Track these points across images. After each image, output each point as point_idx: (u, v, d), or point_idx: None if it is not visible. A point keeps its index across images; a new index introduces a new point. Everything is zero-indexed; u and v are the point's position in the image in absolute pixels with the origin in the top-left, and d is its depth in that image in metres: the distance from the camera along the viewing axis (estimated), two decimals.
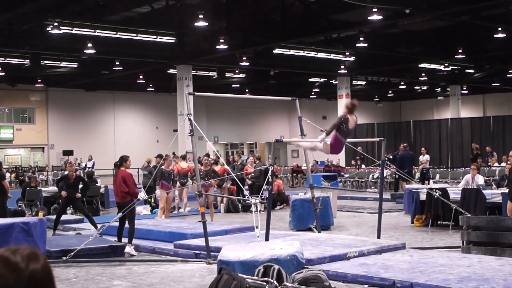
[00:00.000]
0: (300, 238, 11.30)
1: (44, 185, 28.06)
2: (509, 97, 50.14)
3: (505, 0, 22.46)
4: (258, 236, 9.98)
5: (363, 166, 31.48)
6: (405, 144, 25.27)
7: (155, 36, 26.11)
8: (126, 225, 12.19)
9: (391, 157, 23.84)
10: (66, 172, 17.20)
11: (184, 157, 18.85)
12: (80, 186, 15.35)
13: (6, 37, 25.66)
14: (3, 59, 30.89)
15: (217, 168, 18.50)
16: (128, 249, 11.71)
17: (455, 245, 11.58)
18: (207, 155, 19.21)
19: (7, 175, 27.41)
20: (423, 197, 14.93)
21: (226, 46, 26.13)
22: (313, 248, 10.36)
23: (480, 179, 15.42)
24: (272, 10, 25.21)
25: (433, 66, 36.61)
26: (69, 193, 14.25)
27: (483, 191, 14.00)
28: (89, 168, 29.99)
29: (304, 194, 15.61)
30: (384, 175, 16.54)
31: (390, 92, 51.65)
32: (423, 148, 26.33)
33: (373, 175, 28.29)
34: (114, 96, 45.63)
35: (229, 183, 20.63)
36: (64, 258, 10.82)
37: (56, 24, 22.51)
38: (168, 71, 35.14)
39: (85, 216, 14.48)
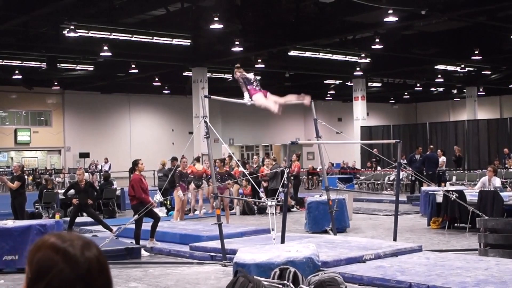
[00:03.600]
0: (316, 240, 11.27)
1: (60, 188, 28.22)
2: None
3: None
4: (274, 239, 9.97)
5: (378, 168, 31.35)
6: (431, 146, 25.21)
7: (170, 39, 26.19)
8: (144, 227, 12.32)
9: (404, 161, 23.77)
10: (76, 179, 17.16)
11: (198, 159, 18.87)
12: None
13: (23, 40, 25.84)
14: (20, 62, 31.11)
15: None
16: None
17: (472, 248, 11.51)
18: (224, 160, 19.19)
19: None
20: (439, 199, 14.85)
21: (241, 48, 26.15)
22: (329, 251, 10.33)
23: (497, 181, 15.29)
24: (286, 12, 25.20)
25: (449, 67, 36.42)
26: (80, 199, 14.23)
27: (500, 193, 13.89)
28: (105, 170, 30.14)
29: (320, 196, 15.58)
30: (400, 177, 16.46)
31: (405, 93, 51.44)
32: (439, 150, 26.21)
33: (389, 177, 28.18)
34: (130, 99, 45.80)
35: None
36: None
37: (72, 27, 22.64)
38: (184, 74, 35.25)
39: (97, 222, 14.42)
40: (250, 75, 11.36)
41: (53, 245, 1.62)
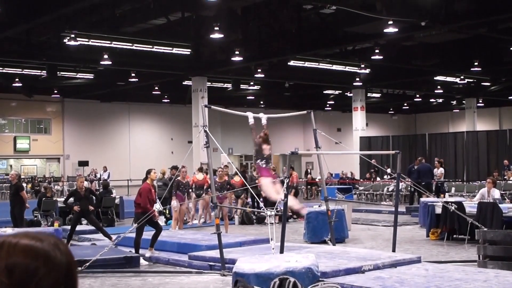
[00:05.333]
0: (315, 250, 11.26)
1: (59, 196, 28.18)
2: None
3: None
4: (273, 248, 9.96)
5: (377, 178, 31.37)
6: (420, 158, 25.14)
7: (170, 48, 26.23)
8: (144, 236, 12.32)
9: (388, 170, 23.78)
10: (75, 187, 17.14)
11: (201, 169, 18.89)
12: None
13: (24, 48, 25.90)
14: (20, 70, 31.14)
15: (236, 179, 18.73)
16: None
17: (471, 259, 11.50)
18: (226, 167, 19.27)
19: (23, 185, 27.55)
20: (438, 210, 14.84)
21: (241, 58, 26.21)
22: (328, 261, 10.32)
23: (496, 193, 15.30)
24: (287, 22, 25.28)
25: (449, 78, 36.47)
26: (81, 206, 14.24)
27: (500, 205, 13.89)
28: (104, 179, 30.12)
29: (319, 206, 15.56)
30: (399, 188, 16.46)
31: (405, 104, 51.54)
32: (436, 162, 26.19)
33: (387, 188, 28.18)
34: (130, 107, 45.85)
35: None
36: (79, 268, 10.84)
37: (73, 35, 22.71)
38: (184, 83, 35.29)
39: (98, 229, 14.43)
40: (266, 150, 11.57)
41: (29, 248, 1.53)
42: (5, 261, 1.50)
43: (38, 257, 1.52)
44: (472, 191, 24.49)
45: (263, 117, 12.09)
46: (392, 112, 56.21)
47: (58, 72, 31.19)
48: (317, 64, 30.57)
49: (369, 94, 41.78)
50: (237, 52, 25.85)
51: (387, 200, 27.61)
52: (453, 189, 26.47)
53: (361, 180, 34.34)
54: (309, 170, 36.98)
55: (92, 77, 33.66)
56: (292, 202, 11.71)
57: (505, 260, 10.28)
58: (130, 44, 25.37)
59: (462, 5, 21.87)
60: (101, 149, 43.70)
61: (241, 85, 36.90)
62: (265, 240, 12.55)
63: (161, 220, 18.75)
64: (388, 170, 31.72)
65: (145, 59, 27.90)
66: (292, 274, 7.44)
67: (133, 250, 12.27)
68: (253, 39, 25.90)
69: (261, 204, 13.15)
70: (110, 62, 26.56)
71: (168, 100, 43.84)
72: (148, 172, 12.90)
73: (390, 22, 21.40)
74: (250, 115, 11.70)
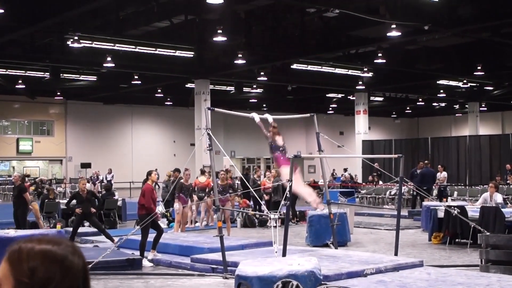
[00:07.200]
0: (317, 254, 11.27)
1: (61, 198, 28.20)
2: None
3: None
4: (276, 252, 9.98)
5: (380, 182, 31.34)
6: (426, 161, 25.11)
7: (174, 51, 26.27)
8: (149, 238, 12.34)
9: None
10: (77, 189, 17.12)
11: (203, 172, 18.90)
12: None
13: (27, 50, 25.95)
14: (23, 72, 31.19)
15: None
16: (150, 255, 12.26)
17: (473, 264, 11.50)
18: (227, 171, 19.32)
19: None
20: (441, 214, 14.84)
21: (244, 61, 26.22)
22: (330, 264, 10.33)
23: (499, 197, 15.28)
24: (291, 26, 25.31)
25: (451, 82, 36.46)
26: (83, 208, 14.25)
27: (502, 210, 13.88)
28: (108, 180, 30.15)
29: (321, 210, 15.57)
30: (402, 192, 16.46)
31: (408, 108, 51.54)
32: (439, 166, 26.17)
33: (390, 192, 28.16)
34: (132, 110, 45.88)
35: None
36: None
37: (76, 38, 22.76)
38: (186, 86, 35.33)
39: (100, 231, 14.46)
40: (280, 141, 11.73)
41: (47, 252, 1.60)
42: (27, 264, 1.58)
43: (56, 261, 1.59)
44: (475, 196, 24.47)
45: (269, 117, 12.24)
46: (395, 115, 56.21)
47: (61, 74, 31.21)
48: (320, 67, 30.58)
49: (371, 98, 41.76)
50: (240, 55, 25.86)
51: (390, 203, 27.59)
52: (455, 193, 26.45)
53: (364, 183, 34.33)
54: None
55: (95, 79, 33.71)
56: (304, 190, 11.83)
57: (508, 264, 10.27)
58: (134, 47, 25.41)
59: (466, 9, 21.87)
60: (103, 151, 43.73)
61: (244, 88, 36.93)
62: (268, 243, 12.56)
63: (164, 223, 18.79)
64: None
65: (148, 61, 27.93)
66: (294, 277, 7.45)
67: (136, 252, 12.28)
68: (256, 43, 25.92)
69: (263, 207, 13.15)
70: (113, 65, 26.59)
71: (171, 103, 43.88)
72: (149, 173, 12.95)
73: (393, 26, 21.40)
74: (255, 115, 11.78)
